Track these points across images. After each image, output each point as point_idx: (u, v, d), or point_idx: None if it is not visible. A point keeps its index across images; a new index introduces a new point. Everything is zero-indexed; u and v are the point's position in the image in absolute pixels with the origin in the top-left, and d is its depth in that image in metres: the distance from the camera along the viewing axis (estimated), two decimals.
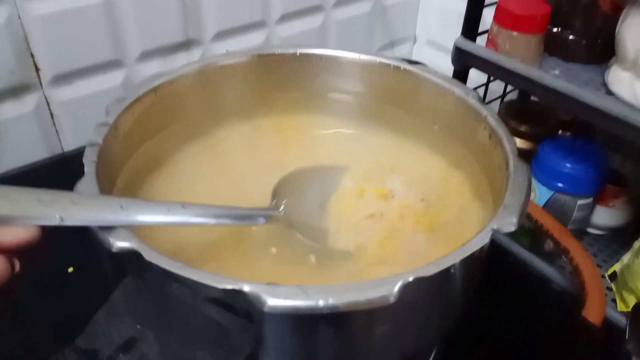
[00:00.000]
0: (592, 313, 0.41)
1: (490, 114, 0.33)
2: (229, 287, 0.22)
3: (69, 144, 0.54)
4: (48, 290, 0.40)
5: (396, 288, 0.22)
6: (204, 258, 0.31)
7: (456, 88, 0.36)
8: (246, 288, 0.22)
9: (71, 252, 0.42)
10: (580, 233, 0.56)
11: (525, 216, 0.26)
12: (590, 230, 0.57)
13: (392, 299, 0.22)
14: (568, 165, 0.51)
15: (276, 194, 0.34)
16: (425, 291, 0.24)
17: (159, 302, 0.23)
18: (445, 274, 0.24)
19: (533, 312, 0.43)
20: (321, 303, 0.22)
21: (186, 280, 0.23)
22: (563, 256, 0.48)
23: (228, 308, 0.23)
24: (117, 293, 0.24)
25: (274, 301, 0.22)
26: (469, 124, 0.35)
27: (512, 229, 0.26)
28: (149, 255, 0.24)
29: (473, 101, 0.35)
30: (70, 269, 0.40)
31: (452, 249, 0.30)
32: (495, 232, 0.25)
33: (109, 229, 0.25)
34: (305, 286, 0.22)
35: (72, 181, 0.28)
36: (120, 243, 0.24)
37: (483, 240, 0.25)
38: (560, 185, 0.52)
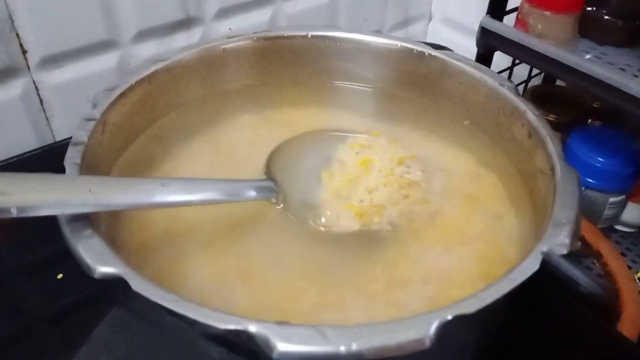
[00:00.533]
0: (628, 327, 0.38)
1: (530, 109, 0.29)
2: (232, 327, 0.19)
3: (61, 133, 0.51)
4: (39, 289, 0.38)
5: (432, 329, 0.19)
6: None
7: (488, 77, 0.32)
8: (252, 328, 0.19)
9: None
10: (607, 230, 0.52)
11: (579, 235, 0.22)
12: (618, 227, 0.54)
13: (427, 343, 0.19)
14: (600, 159, 0.47)
15: (269, 167, 0.31)
16: (465, 328, 0.20)
17: (148, 338, 0.20)
18: (488, 309, 0.20)
19: (561, 318, 0.39)
20: (343, 349, 0.18)
21: (180, 316, 0.19)
22: (593, 259, 0.45)
23: (230, 348, 0.20)
24: (100, 329, 0.20)
25: (285, 346, 0.18)
26: (503, 119, 0.31)
27: (565, 251, 0.22)
28: (138, 285, 0.20)
29: (508, 93, 0.31)
30: (60, 275, 0.37)
31: (485, 266, 0.27)
32: (545, 255, 0.22)
33: (92, 252, 0.21)
34: (322, 327, 0.19)
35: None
36: (103, 268, 0.21)
37: (532, 267, 0.21)
38: (591, 180, 0.48)
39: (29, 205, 0.21)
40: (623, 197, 0.49)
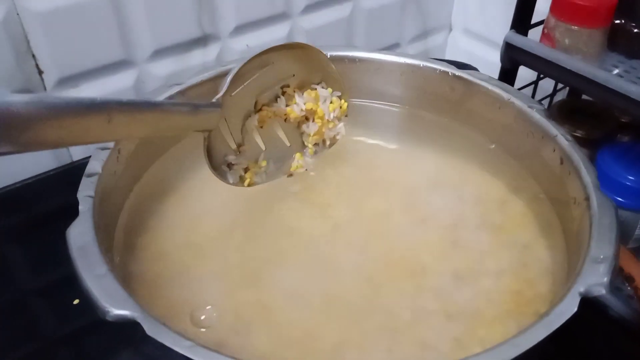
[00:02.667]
0: None
1: (562, 134, 0.28)
2: None
3: (78, 153, 0.51)
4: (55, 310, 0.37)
5: None
6: None
7: (516, 99, 0.31)
8: None
9: None
10: (638, 250, 0.50)
11: (617, 272, 0.21)
12: None
13: None
14: (630, 177, 0.45)
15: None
16: None
17: None
18: (524, 355, 0.19)
19: (588, 341, 0.38)
20: None
21: None
22: (626, 283, 0.43)
23: None
24: None
25: None
26: (532, 143, 0.30)
27: (604, 292, 0.20)
28: (151, 328, 0.19)
29: (538, 116, 0.30)
30: (76, 301, 0.36)
31: (514, 302, 0.26)
32: (583, 296, 0.20)
33: (105, 293, 0.20)
34: None
35: None
36: (117, 311, 0.20)
37: (570, 309, 0.20)
38: (621, 199, 0.46)
39: None
40: None
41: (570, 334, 0.36)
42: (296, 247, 0.29)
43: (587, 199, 0.25)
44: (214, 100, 0.27)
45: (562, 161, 0.27)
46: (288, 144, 0.32)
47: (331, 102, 0.32)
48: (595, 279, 0.21)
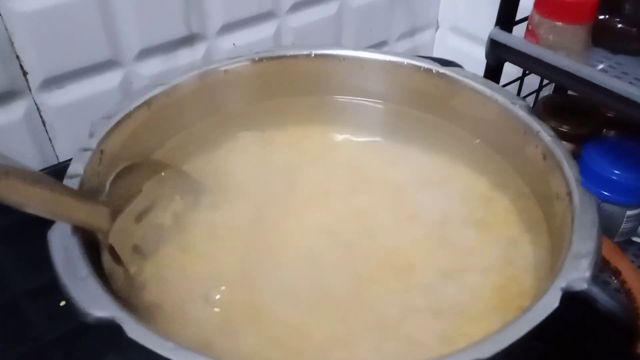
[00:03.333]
0: None
1: (545, 130, 0.28)
2: None
3: (65, 154, 0.51)
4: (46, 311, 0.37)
5: None
6: None
7: (499, 96, 0.31)
8: None
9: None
10: (625, 243, 0.50)
11: (599, 267, 0.21)
12: (635, 239, 0.52)
13: None
14: (616, 172, 0.46)
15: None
16: None
17: None
18: (507, 350, 0.19)
19: (578, 337, 0.38)
20: None
21: None
22: (613, 277, 0.43)
23: None
24: None
25: None
26: (515, 139, 0.30)
27: (585, 286, 0.21)
28: (133, 331, 0.19)
29: (521, 112, 0.30)
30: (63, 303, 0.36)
31: (499, 298, 0.26)
32: (564, 291, 0.20)
33: (86, 295, 0.20)
34: None
35: None
36: (98, 312, 0.20)
37: (551, 305, 0.20)
38: (607, 194, 0.46)
39: None
40: None
41: (557, 329, 0.37)
42: (284, 246, 0.29)
43: (569, 193, 0.25)
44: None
45: (544, 157, 0.28)
46: None
47: None
48: (577, 274, 0.21)
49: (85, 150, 0.27)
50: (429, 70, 0.34)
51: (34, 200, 0.21)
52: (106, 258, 0.24)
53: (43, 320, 0.38)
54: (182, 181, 0.31)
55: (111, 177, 0.27)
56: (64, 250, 0.22)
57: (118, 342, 0.21)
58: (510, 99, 0.30)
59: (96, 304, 0.20)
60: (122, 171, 0.27)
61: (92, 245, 0.24)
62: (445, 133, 0.34)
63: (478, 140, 0.33)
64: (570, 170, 0.26)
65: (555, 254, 0.24)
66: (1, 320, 0.37)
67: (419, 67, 0.34)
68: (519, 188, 0.30)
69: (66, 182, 0.25)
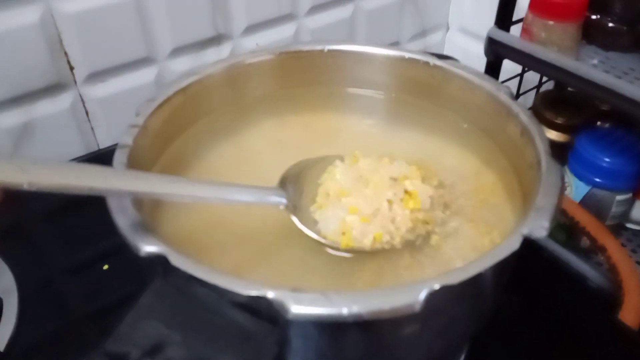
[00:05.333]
0: (629, 315, 0.40)
1: (522, 111, 0.32)
2: (253, 293, 0.22)
3: (105, 141, 0.56)
4: (83, 287, 0.42)
5: (422, 296, 0.22)
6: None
7: (487, 83, 0.35)
8: (270, 294, 0.22)
9: (106, 248, 0.43)
10: (618, 228, 0.54)
11: (557, 219, 0.25)
12: (629, 225, 0.55)
13: (417, 307, 0.22)
14: (606, 159, 0.49)
15: (283, 184, 0.32)
16: (452, 298, 0.24)
17: (184, 306, 0.24)
18: (473, 281, 0.23)
19: (567, 310, 0.42)
20: (345, 311, 0.22)
21: (211, 286, 0.23)
22: (600, 254, 0.47)
23: (253, 313, 0.23)
24: (145, 296, 0.24)
25: (297, 308, 0.22)
26: (499, 121, 0.34)
27: (544, 234, 0.25)
28: (175, 260, 0.24)
29: (504, 97, 0.34)
30: (106, 266, 0.41)
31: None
32: (525, 237, 0.25)
33: (138, 233, 0.25)
34: (328, 293, 0.22)
35: None
36: (147, 247, 0.25)
37: (513, 246, 0.24)
38: (597, 180, 0.50)
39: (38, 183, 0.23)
40: (630, 195, 0.51)
41: (549, 305, 0.40)
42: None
43: (539, 162, 0.29)
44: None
45: (522, 134, 0.32)
46: None
47: None
48: (537, 223, 0.25)
49: (133, 126, 0.32)
50: (427, 63, 0.38)
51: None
52: None
53: (79, 297, 0.42)
54: None
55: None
56: (119, 203, 0.27)
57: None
58: (496, 86, 0.35)
59: (146, 241, 0.25)
60: None
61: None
62: (440, 117, 0.38)
63: (466, 125, 0.37)
64: (541, 144, 0.30)
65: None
66: (38, 297, 0.40)
67: (417, 60, 0.38)
68: (503, 165, 0.34)
69: (118, 151, 0.30)
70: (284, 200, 0.31)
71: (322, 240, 0.31)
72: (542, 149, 0.29)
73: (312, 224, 0.31)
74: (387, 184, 0.32)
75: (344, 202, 0.31)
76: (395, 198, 0.31)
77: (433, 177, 0.34)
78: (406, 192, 0.32)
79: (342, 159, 0.34)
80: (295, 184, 0.33)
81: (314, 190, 0.33)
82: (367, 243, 0.30)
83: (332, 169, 0.33)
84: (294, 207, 0.31)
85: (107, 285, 0.41)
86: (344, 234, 0.30)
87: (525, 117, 0.32)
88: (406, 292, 0.22)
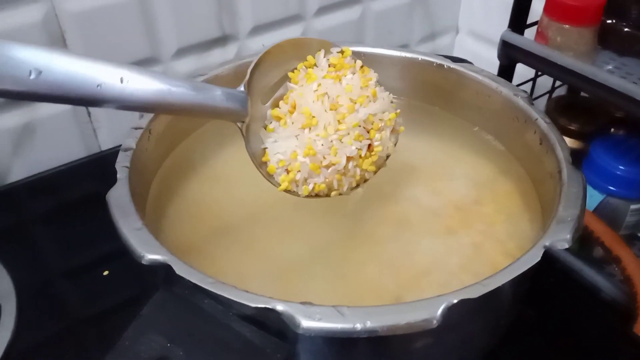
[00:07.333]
0: None
1: (542, 117, 0.31)
2: (262, 305, 0.21)
3: (106, 143, 0.55)
4: (82, 292, 0.41)
5: (439, 311, 0.21)
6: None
7: (503, 88, 0.34)
8: (279, 307, 0.21)
9: (106, 253, 0.42)
10: (631, 238, 0.53)
11: (580, 232, 0.24)
12: None
13: (435, 323, 0.21)
14: (621, 167, 0.48)
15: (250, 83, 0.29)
16: (470, 312, 0.23)
17: (188, 318, 0.22)
18: (492, 295, 0.22)
19: (580, 323, 0.41)
20: (359, 326, 0.21)
21: (217, 297, 0.22)
22: (614, 265, 0.46)
23: (261, 326, 0.22)
24: (147, 308, 0.23)
25: (308, 323, 0.21)
26: (517, 127, 0.33)
27: (566, 246, 0.24)
28: (180, 269, 0.23)
29: (522, 102, 0.33)
30: (106, 272, 0.40)
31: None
32: (547, 249, 0.24)
33: (141, 242, 0.24)
34: (341, 308, 0.21)
35: (109, 180, 0.28)
36: (151, 255, 0.24)
37: (534, 258, 0.23)
38: (612, 188, 0.49)
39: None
40: None
41: (562, 317, 0.39)
42: (310, 224, 0.32)
43: (560, 171, 0.28)
44: (238, 88, 0.28)
45: (541, 141, 0.31)
46: None
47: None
48: (560, 235, 0.24)
49: (137, 128, 0.31)
50: (441, 66, 0.37)
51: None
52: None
53: (77, 300, 0.41)
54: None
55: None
56: (120, 207, 0.26)
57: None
58: (513, 90, 0.34)
59: (149, 248, 0.24)
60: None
61: (142, 208, 0.28)
62: (454, 123, 0.37)
63: (477, 128, 0.36)
64: (562, 152, 0.29)
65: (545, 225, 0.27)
66: (37, 302, 0.39)
67: (431, 63, 0.37)
68: (519, 173, 0.33)
69: (121, 154, 0.29)
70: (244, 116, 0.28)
71: (266, 178, 0.29)
72: (563, 158, 0.28)
73: (259, 141, 0.29)
74: (356, 130, 0.28)
75: (304, 135, 0.28)
76: (356, 155, 0.28)
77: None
78: (369, 147, 0.29)
79: (329, 52, 0.31)
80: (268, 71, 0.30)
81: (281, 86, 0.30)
82: (303, 191, 0.28)
83: (311, 72, 0.30)
84: (247, 128, 0.29)
85: (107, 290, 0.40)
86: (288, 172, 0.28)
87: (545, 124, 0.31)
88: (424, 307, 0.21)
